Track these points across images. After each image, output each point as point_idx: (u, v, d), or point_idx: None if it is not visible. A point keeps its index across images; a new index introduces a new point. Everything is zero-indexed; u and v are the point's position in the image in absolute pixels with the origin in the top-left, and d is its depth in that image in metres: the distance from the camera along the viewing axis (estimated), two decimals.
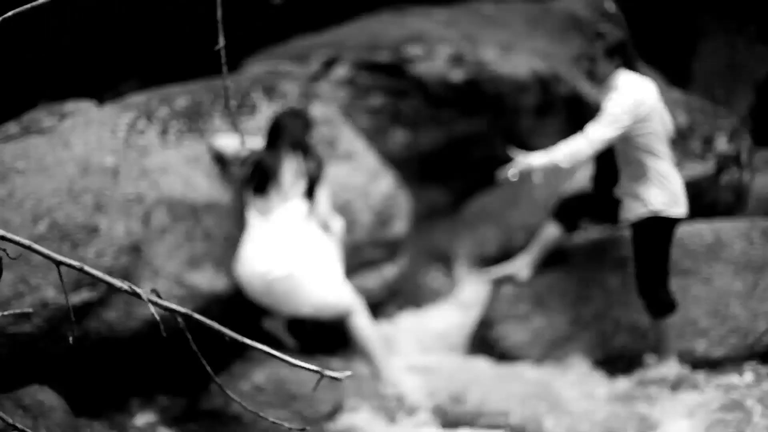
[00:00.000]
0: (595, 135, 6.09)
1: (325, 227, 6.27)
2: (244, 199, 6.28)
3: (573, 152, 6.09)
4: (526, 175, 6.20)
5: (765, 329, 6.69)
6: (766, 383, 6.28)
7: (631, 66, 6.34)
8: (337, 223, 6.43)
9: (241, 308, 6.27)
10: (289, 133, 6.24)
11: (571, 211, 6.75)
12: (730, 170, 7.97)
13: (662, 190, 6.28)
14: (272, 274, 6.08)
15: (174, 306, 3.26)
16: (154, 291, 3.30)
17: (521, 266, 6.82)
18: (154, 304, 3.25)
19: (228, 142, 6.39)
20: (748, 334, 6.68)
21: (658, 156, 6.29)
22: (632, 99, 6.14)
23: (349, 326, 6.31)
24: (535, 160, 6.14)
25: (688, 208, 6.49)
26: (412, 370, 6.47)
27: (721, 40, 13.34)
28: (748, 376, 6.41)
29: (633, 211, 6.34)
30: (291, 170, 6.18)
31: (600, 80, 6.39)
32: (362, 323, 6.29)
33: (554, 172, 6.25)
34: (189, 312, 3.29)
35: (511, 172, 6.14)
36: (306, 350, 6.44)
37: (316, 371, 3.21)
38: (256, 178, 6.19)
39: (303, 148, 6.25)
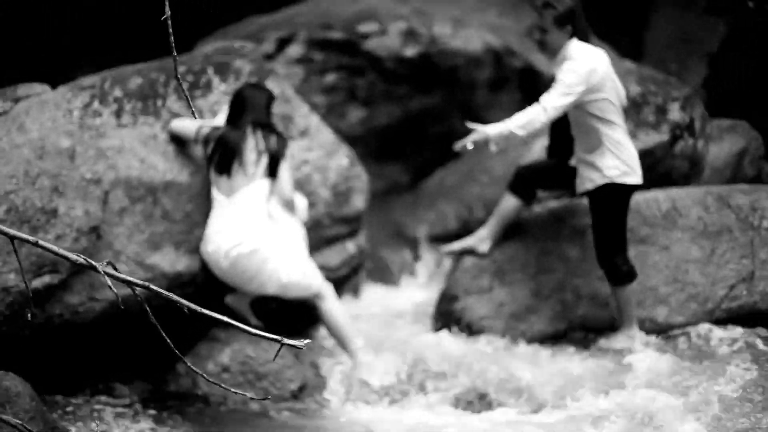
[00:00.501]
0: (549, 103, 6.13)
1: (288, 205, 6.24)
2: (209, 177, 6.24)
3: (528, 121, 6.13)
4: (482, 146, 6.22)
5: (724, 295, 6.77)
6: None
7: (582, 35, 6.37)
8: (301, 202, 6.41)
9: (204, 288, 6.26)
10: (252, 109, 6.19)
11: (527, 182, 6.78)
12: (684, 139, 8.02)
13: (617, 159, 6.32)
14: (237, 250, 6.05)
15: (130, 278, 3.24)
16: (110, 263, 3.29)
17: (481, 239, 6.85)
18: (111, 276, 3.23)
19: (186, 124, 6.34)
20: (708, 300, 6.76)
21: (613, 125, 6.33)
22: (585, 67, 6.18)
23: (318, 310, 6.29)
24: (492, 129, 6.17)
25: (643, 176, 6.54)
26: (376, 347, 6.48)
27: (673, 12, 13.42)
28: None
29: (589, 179, 6.38)
30: (253, 148, 6.14)
31: (552, 50, 6.42)
32: (331, 306, 6.25)
33: (511, 141, 6.28)
34: (146, 284, 3.27)
35: (468, 141, 6.17)
36: (270, 330, 6.42)
37: (276, 340, 3.21)
38: (219, 156, 6.15)
39: (265, 124, 6.22)
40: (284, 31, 9.07)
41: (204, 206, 6.24)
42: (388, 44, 8.90)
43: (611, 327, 6.69)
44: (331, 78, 8.98)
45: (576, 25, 6.39)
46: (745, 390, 5.66)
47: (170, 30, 3.27)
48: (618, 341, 6.55)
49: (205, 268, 6.22)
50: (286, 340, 3.26)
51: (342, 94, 8.86)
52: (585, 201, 6.76)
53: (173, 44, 3.31)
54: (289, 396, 5.94)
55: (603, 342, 6.59)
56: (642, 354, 6.36)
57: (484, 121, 8.51)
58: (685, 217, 6.92)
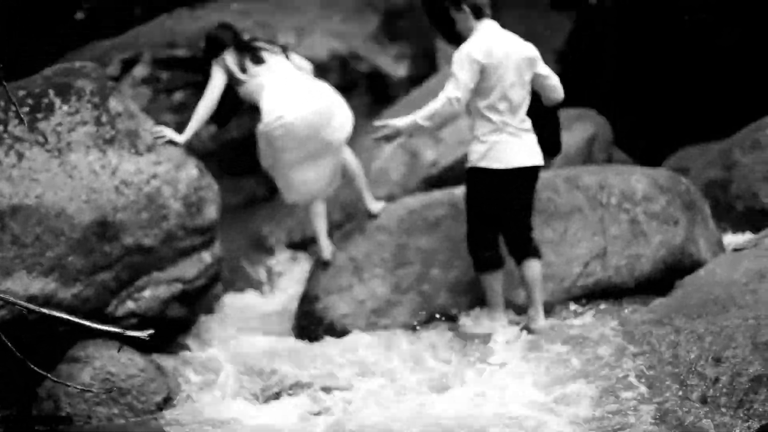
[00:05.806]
0: (452, 94, 6.22)
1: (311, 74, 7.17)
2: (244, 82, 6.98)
3: (433, 111, 6.23)
4: (393, 136, 6.42)
5: (579, 272, 6.91)
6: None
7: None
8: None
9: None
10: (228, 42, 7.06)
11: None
12: None
13: (482, 144, 6.38)
14: (313, 108, 6.75)
15: None
16: None
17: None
18: None
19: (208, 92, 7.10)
20: (564, 279, 6.90)
21: (493, 114, 6.38)
22: (478, 50, 6.27)
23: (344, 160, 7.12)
24: (401, 123, 6.33)
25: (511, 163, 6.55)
26: (239, 353, 6.46)
27: (517, 11, 13.69)
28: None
29: (467, 165, 6.50)
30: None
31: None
32: (349, 157, 7.18)
33: (420, 132, 6.45)
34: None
35: (381, 136, 6.40)
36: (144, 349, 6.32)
37: (117, 333, 3.20)
38: (248, 57, 6.99)
39: (248, 46, 7.11)
40: (129, 52, 9.02)
41: (54, 227, 6.15)
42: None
43: (471, 313, 6.80)
44: (179, 96, 8.97)
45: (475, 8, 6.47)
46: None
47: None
48: (481, 326, 6.63)
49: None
50: (128, 332, 3.25)
51: (191, 111, 8.83)
52: (438, 194, 6.85)
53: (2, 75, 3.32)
54: (155, 409, 5.88)
55: (467, 327, 6.67)
56: (503, 337, 6.45)
57: None
58: (537, 200, 7.05)
